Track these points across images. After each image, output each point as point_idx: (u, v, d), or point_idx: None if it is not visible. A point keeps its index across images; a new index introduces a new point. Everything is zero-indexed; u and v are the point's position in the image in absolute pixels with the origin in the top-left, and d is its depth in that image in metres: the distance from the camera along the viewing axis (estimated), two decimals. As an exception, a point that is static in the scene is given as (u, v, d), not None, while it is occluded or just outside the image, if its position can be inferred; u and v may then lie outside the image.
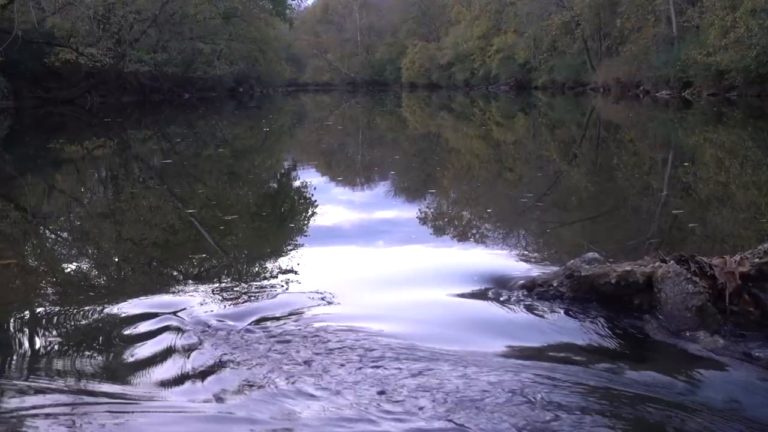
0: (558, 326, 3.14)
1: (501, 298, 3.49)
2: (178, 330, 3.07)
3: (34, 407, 2.36)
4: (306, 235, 5.58)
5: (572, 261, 3.48)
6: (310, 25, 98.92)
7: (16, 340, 3.16)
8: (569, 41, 52.33)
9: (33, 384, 2.57)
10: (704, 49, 29.80)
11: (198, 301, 3.50)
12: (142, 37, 33.88)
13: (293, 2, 61.69)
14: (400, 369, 2.62)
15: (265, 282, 3.97)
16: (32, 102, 27.91)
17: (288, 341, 2.91)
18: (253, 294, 3.65)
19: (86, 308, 3.47)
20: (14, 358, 2.93)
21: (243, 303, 3.48)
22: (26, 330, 3.27)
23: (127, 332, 3.11)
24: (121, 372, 2.71)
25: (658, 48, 37.61)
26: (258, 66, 51.95)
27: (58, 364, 2.81)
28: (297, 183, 8.96)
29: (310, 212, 6.74)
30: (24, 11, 26.94)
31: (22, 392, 2.50)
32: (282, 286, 3.84)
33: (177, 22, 36.13)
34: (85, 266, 4.68)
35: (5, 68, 25.60)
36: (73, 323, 3.30)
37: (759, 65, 26.89)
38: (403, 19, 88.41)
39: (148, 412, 2.37)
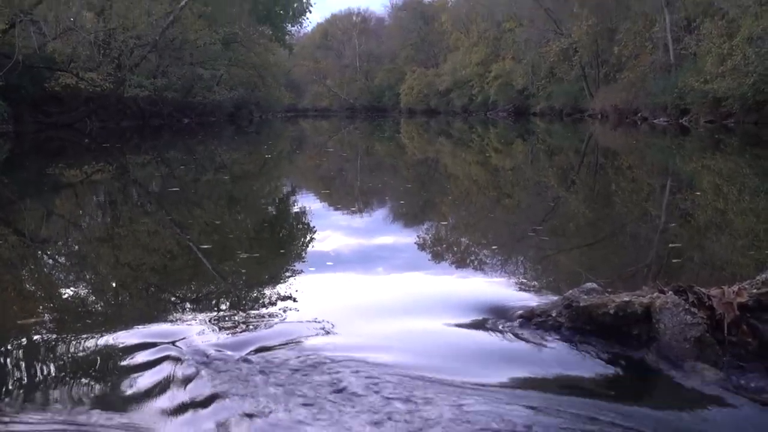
0: (556, 357, 3.13)
1: (500, 328, 3.48)
2: (177, 360, 3.06)
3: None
4: (304, 261, 5.57)
5: (571, 291, 3.48)
6: (310, 51, 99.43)
7: (12, 368, 3.14)
8: (567, 68, 52.62)
9: (28, 414, 2.56)
10: (701, 77, 29.98)
11: (196, 331, 3.49)
12: (143, 62, 34.02)
13: (293, 28, 61.97)
14: (398, 399, 2.61)
15: (263, 310, 3.96)
16: (32, 126, 27.96)
17: (286, 371, 2.90)
18: (251, 322, 3.64)
19: (84, 336, 3.46)
20: (10, 386, 2.92)
21: (241, 332, 3.47)
22: (23, 358, 3.25)
23: (125, 362, 3.10)
24: (119, 402, 2.69)
25: (656, 75, 37.83)
26: (257, 91, 52.11)
27: (55, 393, 2.79)
28: (296, 208, 8.97)
29: (308, 238, 6.74)
30: (25, 36, 27.10)
31: (17, 422, 2.48)
32: (280, 314, 3.83)
33: (177, 48, 36.30)
34: (83, 292, 4.67)
35: (6, 93, 25.69)
36: (71, 352, 3.29)
37: (756, 92, 27.03)
38: (401, 46, 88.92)
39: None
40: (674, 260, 5.40)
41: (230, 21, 41.90)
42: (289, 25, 57.80)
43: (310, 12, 58.20)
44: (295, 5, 53.56)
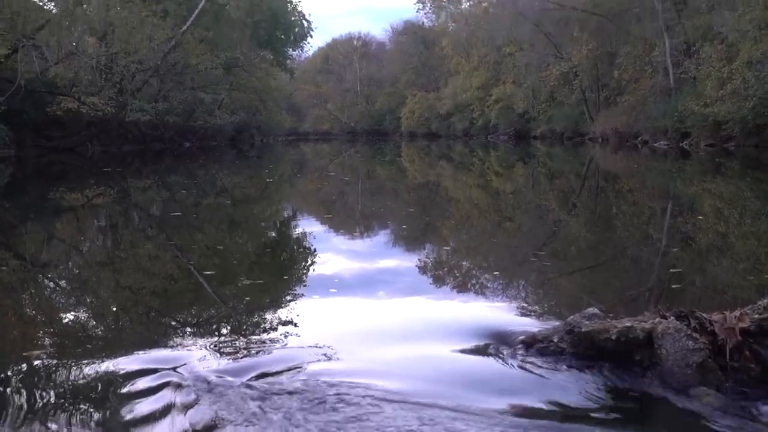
0: (558, 383, 3.12)
1: (501, 354, 3.47)
2: (178, 386, 3.06)
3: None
4: (305, 285, 5.56)
5: (572, 316, 3.47)
6: (311, 75, 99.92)
7: (12, 395, 3.13)
8: (567, 92, 52.85)
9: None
10: (701, 100, 30.08)
11: (197, 356, 3.48)
12: (144, 87, 34.18)
13: (294, 53, 62.38)
14: (399, 426, 2.59)
15: (264, 335, 3.95)
16: (34, 150, 28.04)
17: (287, 398, 2.89)
18: (252, 348, 3.63)
19: (85, 362, 3.45)
20: (9, 413, 2.90)
21: (242, 358, 3.46)
22: (22, 384, 3.24)
23: (126, 389, 3.09)
24: (120, 430, 2.68)
25: (656, 99, 37.96)
26: (258, 115, 52.36)
27: (56, 420, 2.78)
28: (297, 232, 8.97)
29: (309, 262, 6.73)
30: (27, 61, 27.24)
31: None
32: (281, 339, 3.82)
33: (179, 72, 36.50)
34: (83, 317, 4.66)
35: (7, 117, 25.80)
36: (71, 378, 3.28)
37: (756, 116, 27.10)
38: (402, 70, 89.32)
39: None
40: (676, 284, 5.39)
41: (231, 46, 42.23)
42: (291, 50, 58.19)
43: (311, 36, 58.53)
44: (297, 30, 53.89)
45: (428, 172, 22.29)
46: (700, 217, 9.37)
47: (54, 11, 30.03)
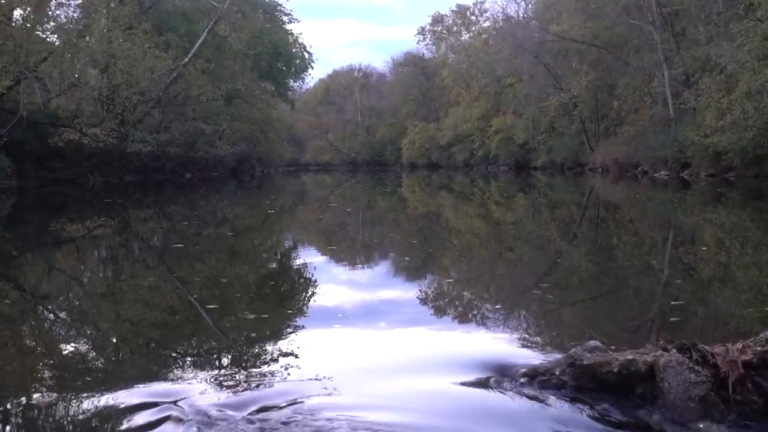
0: (560, 417, 3.10)
1: (503, 387, 3.45)
2: (179, 420, 3.04)
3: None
4: (306, 316, 5.54)
5: (574, 349, 3.45)
6: (312, 106, 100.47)
7: (11, 429, 3.11)
8: (567, 122, 53.14)
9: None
10: (701, 131, 30.20)
11: (198, 390, 3.46)
12: (146, 118, 34.33)
13: (295, 84, 62.64)
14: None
15: (265, 368, 3.93)
16: (35, 181, 28.13)
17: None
18: (253, 381, 3.61)
19: (84, 395, 3.43)
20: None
21: (243, 391, 3.44)
22: (22, 418, 3.22)
23: (127, 423, 3.07)
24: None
25: (656, 129, 38.15)
26: (259, 146, 52.61)
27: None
28: (297, 262, 8.96)
29: (310, 292, 6.71)
30: (30, 92, 27.42)
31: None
32: (282, 372, 3.80)
33: (180, 104, 36.69)
34: (83, 349, 4.64)
35: (9, 148, 25.91)
36: (70, 412, 3.26)
37: (756, 146, 27.19)
38: (403, 101, 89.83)
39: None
40: (677, 314, 5.38)
41: (233, 77, 42.46)
42: (291, 81, 58.42)
43: (312, 68, 58.82)
44: (297, 62, 54.19)
45: (429, 203, 22.31)
46: (704, 248, 9.37)
47: (57, 43, 30.23)
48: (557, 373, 3.41)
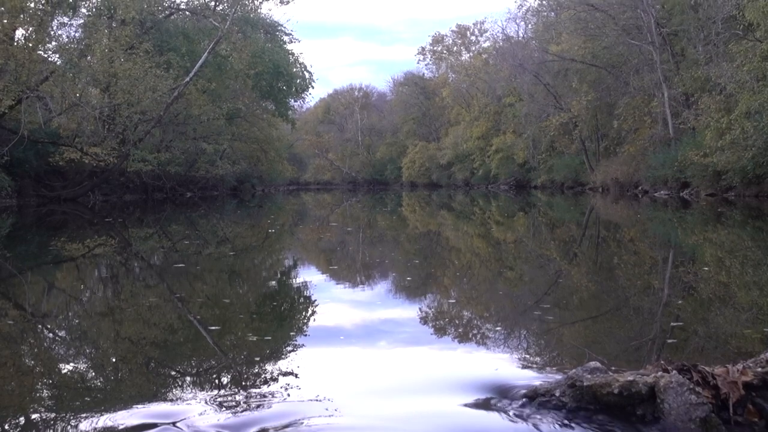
0: (561, 438, 3.09)
1: (503, 409, 3.44)
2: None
3: None
4: (306, 335, 5.54)
5: (574, 370, 3.45)
6: (312, 126, 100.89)
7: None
8: (567, 142, 53.27)
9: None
10: (701, 150, 30.26)
11: (198, 410, 3.45)
12: (147, 137, 34.41)
13: (295, 103, 62.86)
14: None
15: (265, 388, 3.92)
16: (35, 200, 28.19)
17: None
18: (252, 402, 3.60)
19: (83, 415, 3.42)
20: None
21: (242, 412, 3.43)
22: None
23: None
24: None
25: (656, 149, 38.23)
26: (260, 165, 52.72)
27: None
28: (298, 282, 8.95)
29: (310, 311, 6.70)
30: (31, 112, 27.51)
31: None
32: (282, 392, 3.79)
33: (181, 123, 36.81)
34: (82, 368, 4.64)
35: (10, 167, 25.96)
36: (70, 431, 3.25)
37: (755, 166, 27.23)
38: (403, 120, 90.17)
39: None
40: (678, 334, 5.37)
41: (233, 96, 42.62)
42: (292, 101, 58.61)
43: (313, 87, 58.98)
44: (298, 81, 54.37)
45: (429, 222, 22.31)
46: (706, 268, 9.36)
47: (58, 63, 30.38)
48: (557, 394, 3.40)
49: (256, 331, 5.63)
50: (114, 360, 4.86)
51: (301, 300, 7.55)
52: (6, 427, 3.34)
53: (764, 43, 26.66)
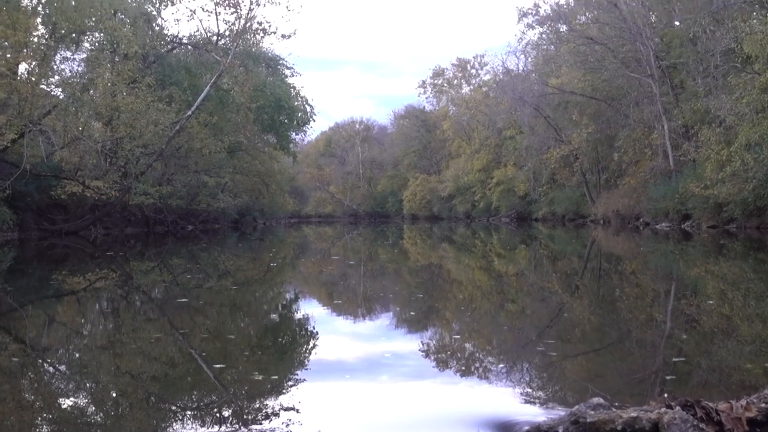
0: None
1: (506, 445, 3.43)
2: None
3: None
4: (307, 369, 5.52)
5: (577, 406, 3.43)
6: (314, 159, 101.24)
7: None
8: (568, 174, 53.42)
9: None
10: (701, 182, 30.32)
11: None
12: (148, 171, 34.48)
13: (297, 137, 63.04)
14: None
15: (266, 424, 3.89)
16: (37, 233, 28.20)
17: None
18: (253, 437, 3.59)
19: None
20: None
21: (243, 448, 3.42)
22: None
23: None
24: None
25: (656, 181, 38.31)
26: (261, 198, 52.83)
27: None
28: (299, 315, 8.93)
29: (311, 344, 6.69)
30: (33, 145, 27.61)
31: None
32: (283, 428, 3.77)
33: (183, 156, 36.92)
34: (82, 402, 4.62)
35: (12, 200, 26.00)
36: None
37: (756, 198, 27.28)
38: (404, 153, 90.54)
39: None
40: (681, 368, 5.34)
41: (235, 130, 42.79)
42: (293, 134, 58.78)
43: (314, 121, 59.22)
44: (299, 114, 54.58)
45: (431, 255, 22.30)
46: (710, 302, 9.32)
47: (61, 97, 30.54)
48: (560, 431, 3.38)
49: (257, 365, 5.60)
50: (114, 395, 4.83)
51: (303, 334, 7.53)
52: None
53: (763, 75, 26.82)
